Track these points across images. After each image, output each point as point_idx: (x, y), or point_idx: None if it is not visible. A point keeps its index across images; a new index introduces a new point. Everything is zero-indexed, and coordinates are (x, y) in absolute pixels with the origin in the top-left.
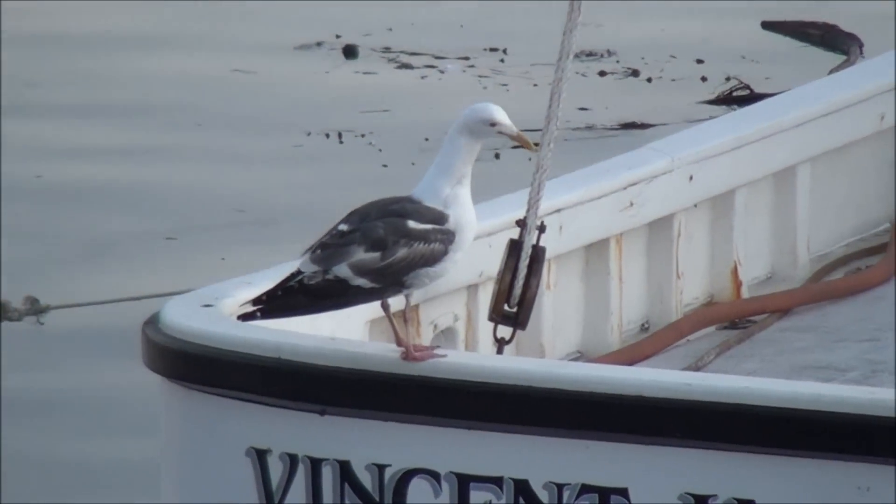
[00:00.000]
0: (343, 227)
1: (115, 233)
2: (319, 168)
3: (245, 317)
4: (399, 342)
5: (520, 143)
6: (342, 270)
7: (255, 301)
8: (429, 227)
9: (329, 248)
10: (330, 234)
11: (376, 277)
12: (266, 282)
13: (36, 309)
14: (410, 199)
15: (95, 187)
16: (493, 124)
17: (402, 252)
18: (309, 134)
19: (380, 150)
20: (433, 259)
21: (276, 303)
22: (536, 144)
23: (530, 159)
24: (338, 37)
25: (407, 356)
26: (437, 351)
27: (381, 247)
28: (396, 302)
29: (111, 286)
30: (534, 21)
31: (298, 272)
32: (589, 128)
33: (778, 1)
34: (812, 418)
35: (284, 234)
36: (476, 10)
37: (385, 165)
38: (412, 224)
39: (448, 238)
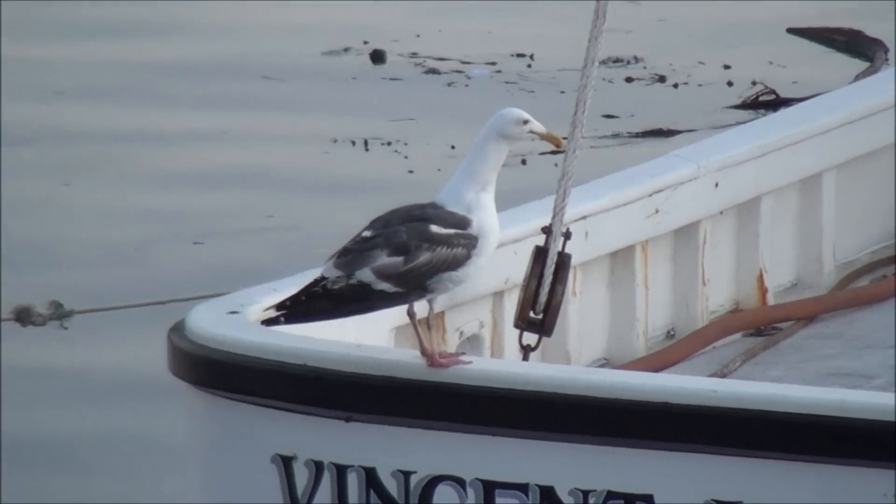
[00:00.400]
0: (366, 233)
1: (142, 237)
2: (345, 175)
3: (269, 322)
4: (423, 350)
5: (549, 142)
6: (365, 275)
7: (279, 306)
8: (451, 231)
9: (352, 252)
10: (353, 240)
11: (399, 282)
12: (292, 288)
13: (60, 314)
14: (433, 205)
15: (123, 193)
16: (524, 122)
17: (424, 256)
18: (335, 141)
19: (406, 157)
20: (456, 263)
21: (299, 308)
22: (565, 138)
23: (556, 165)
24: (365, 43)
25: (432, 363)
26: (462, 357)
27: (403, 251)
28: (422, 309)
29: (137, 291)
30: (561, 27)
31: (322, 277)
32: (615, 135)
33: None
34: (837, 425)
35: (310, 241)
36: (504, 16)
37: (411, 172)
38: (435, 228)
39: (471, 242)
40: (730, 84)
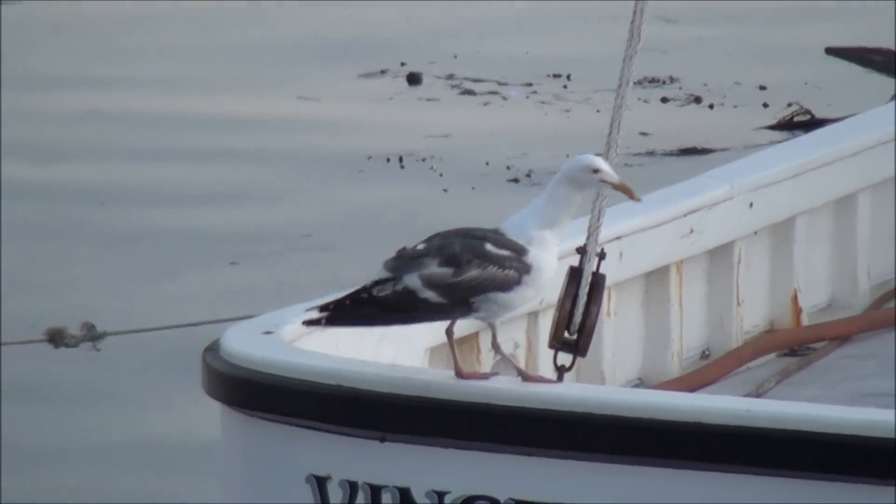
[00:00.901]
0: (421, 245)
1: (177, 258)
2: (380, 192)
3: (309, 322)
4: (458, 371)
5: (622, 192)
6: (412, 281)
7: (322, 307)
8: (506, 253)
9: (403, 258)
10: (408, 248)
11: (445, 292)
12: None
13: (93, 335)
14: (496, 231)
15: (158, 214)
16: (595, 171)
17: (474, 271)
18: (370, 158)
19: (440, 175)
20: (505, 285)
21: (342, 311)
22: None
23: None
24: (402, 64)
25: (461, 376)
26: (487, 373)
27: (454, 263)
28: (462, 329)
29: (172, 311)
30: (598, 47)
31: (369, 285)
32: (649, 153)
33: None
34: (872, 445)
35: (346, 260)
36: (541, 37)
37: (445, 190)
38: (489, 247)
39: (523, 268)
40: (765, 105)
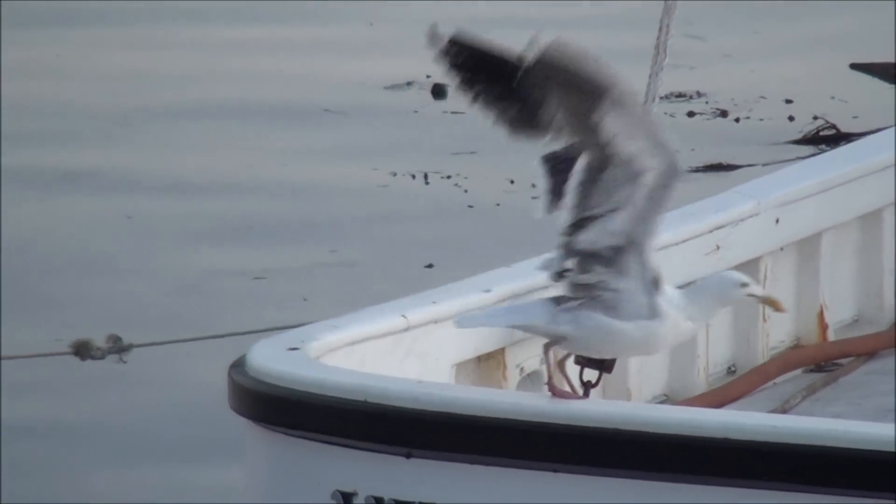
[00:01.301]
0: None
1: (203, 271)
2: (405, 208)
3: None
4: (551, 388)
5: (770, 306)
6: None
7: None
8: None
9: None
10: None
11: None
12: (354, 325)
13: (119, 347)
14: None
15: (182, 224)
16: (743, 285)
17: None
18: (395, 174)
19: (465, 192)
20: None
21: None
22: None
23: None
24: (428, 77)
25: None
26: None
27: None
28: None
29: (198, 324)
30: (625, 61)
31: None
32: None
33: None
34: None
35: (371, 276)
36: None
37: (470, 206)
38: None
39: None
40: (791, 119)
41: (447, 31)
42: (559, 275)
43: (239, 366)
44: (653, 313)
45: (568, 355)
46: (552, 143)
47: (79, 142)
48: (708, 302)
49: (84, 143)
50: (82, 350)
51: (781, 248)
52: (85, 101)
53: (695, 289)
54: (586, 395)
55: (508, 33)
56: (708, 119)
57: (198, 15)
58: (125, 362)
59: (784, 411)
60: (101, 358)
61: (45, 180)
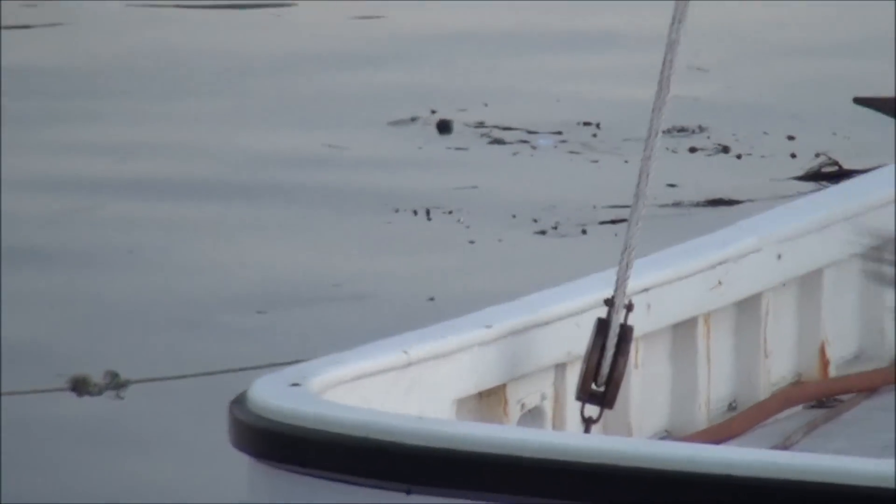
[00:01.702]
0: None
1: (203, 306)
2: (407, 245)
3: None
4: None
5: None
6: None
7: None
8: None
9: None
10: None
11: None
12: (355, 360)
13: (116, 383)
14: None
15: (183, 258)
16: None
17: None
18: (397, 210)
19: (467, 227)
20: None
21: None
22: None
23: (617, 235)
24: (433, 112)
25: None
26: None
27: None
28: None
29: (197, 361)
30: (630, 93)
31: None
32: (676, 204)
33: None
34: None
35: (375, 311)
36: (573, 83)
37: (472, 242)
38: None
39: None
40: (793, 155)
41: None
42: None
43: (240, 402)
44: None
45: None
46: None
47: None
48: None
49: None
50: (80, 386)
51: (783, 284)
52: None
53: None
54: (587, 430)
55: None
56: (710, 155)
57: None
58: (122, 398)
59: (785, 447)
60: (99, 394)
61: None
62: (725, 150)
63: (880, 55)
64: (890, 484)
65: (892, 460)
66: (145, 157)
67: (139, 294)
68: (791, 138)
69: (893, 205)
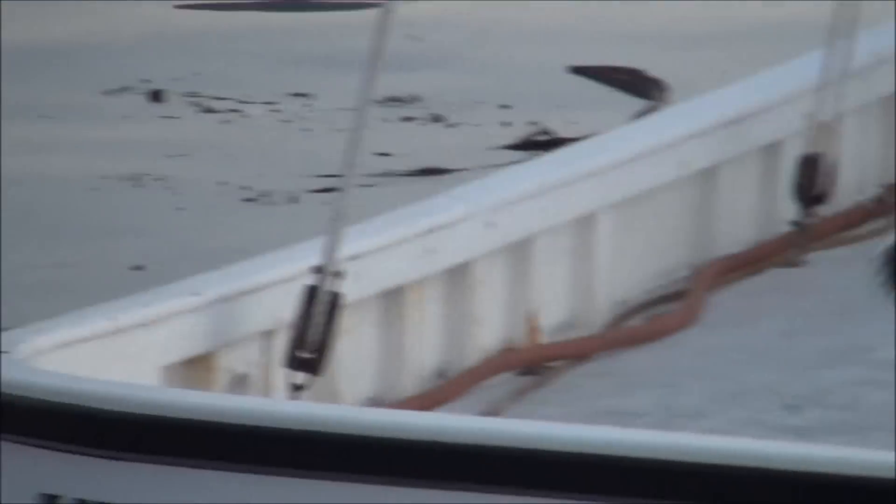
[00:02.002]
0: None
1: None
2: (116, 212)
3: None
4: None
5: None
6: None
7: None
8: None
9: None
10: None
11: None
12: (66, 327)
13: None
14: None
15: None
16: None
17: None
18: (105, 177)
19: (177, 195)
20: None
21: None
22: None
23: (327, 204)
24: (144, 81)
25: None
26: None
27: None
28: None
29: None
30: (342, 67)
31: None
32: (388, 174)
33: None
34: (605, 464)
35: (81, 280)
36: (283, 57)
37: (181, 209)
38: None
39: None
40: (506, 124)
41: None
42: None
43: None
44: None
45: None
46: None
47: None
48: None
49: None
50: None
51: (494, 252)
52: None
53: None
54: (295, 397)
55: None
56: (423, 124)
57: None
58: None
59: (494, 414)
60: None
61: None
62: (438, 119)
63: (597, 22)
64: (594, 450)
65: (598, 426)
66: None
67: None
68: (505, 107)
69: (599, 176)
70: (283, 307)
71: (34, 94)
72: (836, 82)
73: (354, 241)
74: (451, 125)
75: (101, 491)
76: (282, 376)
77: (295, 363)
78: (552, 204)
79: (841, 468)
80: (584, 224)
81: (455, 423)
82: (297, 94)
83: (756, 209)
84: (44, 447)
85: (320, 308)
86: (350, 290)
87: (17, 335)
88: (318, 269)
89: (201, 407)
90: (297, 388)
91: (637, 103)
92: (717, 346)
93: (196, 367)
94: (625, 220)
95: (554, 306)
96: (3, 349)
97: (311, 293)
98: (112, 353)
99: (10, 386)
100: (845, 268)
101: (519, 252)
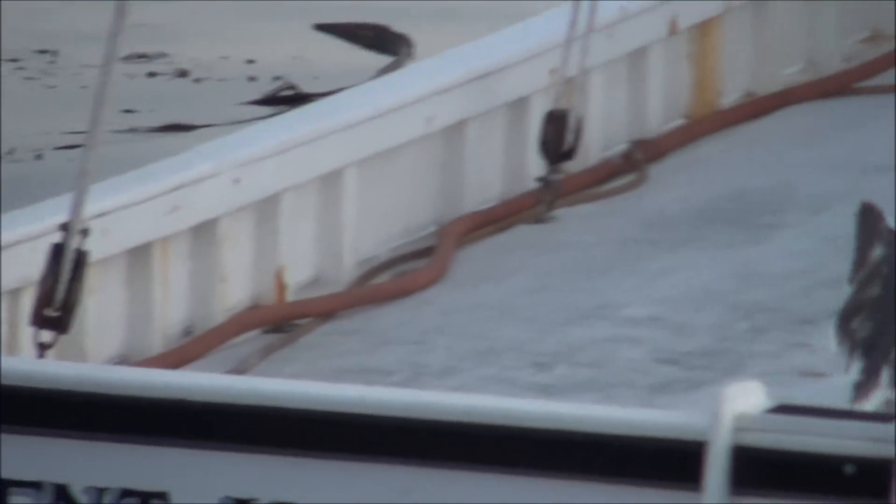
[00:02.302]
0: None
1: None
2: None
3: None
4: None
5: None
6: None
7: None
8: None
9: None
10: None
11: None
12: None
13: None
14: None
15: None
16: None
17: None
18: None
19: None
20: None
21: None
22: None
23: (72, 161)
24: None
25: None
26: None
27: None
28: None
29: None
30: (87, 24)
31: None
32: (133, 130)
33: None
34: (352, 422)
35: None
36: (28, 11)
37: None
38: None
39: None
40: (252, 79)
41: None
42: None
43: None
44: None
45: None
46: None
47: None
48: None
49: None
50: None
51: (241, 209)
52: None
53: None
54: (41, 355)
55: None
56: (169, 79)
57: None
58: None
59: (241, 372)
60: None
61: None
62: (183, 74)
63: None
64: (340, 408)
65: (344, 385)
66: None
67: None
68: (251, 62)
69: (345, 133)
70: (29, 265)
71: None
72: (582, 38)
73: (100, 199)
74: (197, 80)
75: None
76: (29, 334)
77: (41, 321)
78: (298, 160)
79: (589, 426)
80: (331, 181)
81: (200, 381)
82: (41, 51)
83: (503, 165)
84: None
85: (66, 265)
86: (96, 247)
87: None
88: (64, 227)
89: None
90: (44, 347)
91: (383, 60)
92: (464, 304)
93: None
94: (371, 176)
95: (301, 264)
96: None
97: (57, 251)
98: None
99: None
100: (593, 224)
101: (265, 209)
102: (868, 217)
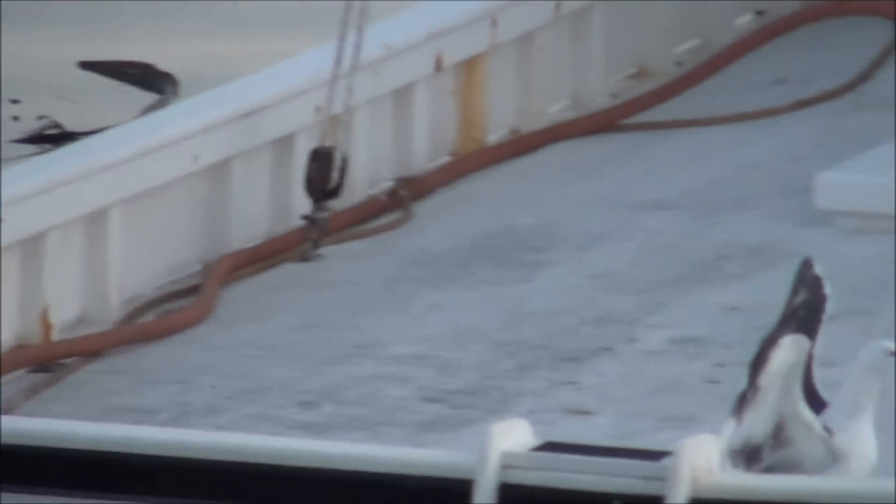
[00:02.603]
0: None
1: None
2: None
3: None
4: None
5: None
6: None
7: None
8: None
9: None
10: None
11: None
12: None
13: None
14: None
15: None
16: (892, 353)
17: None
18: None
19: None
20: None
21: None
22: None
23: None
24: None
25: None
26: None
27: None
28: None
29: None
30: None
31: None
32: None
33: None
34: (118, 462)
35: None
36: None
37: None
38: None
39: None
40: (16, 118)
41: None
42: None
43: None
44: (834, 458)
45: None
46: None
47: None
48: (860, 380)
49: None
50: None
51: (5, 248)
52: None
53: (847, 380)
54: None
55: None
56: None
57: None
58: None
59: (7, 412)
60: None
61: None
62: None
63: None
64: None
65: (109, 424)
66: None
67: None
68: (15, 101)
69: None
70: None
71: None
72: (347, 75)
73: None
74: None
75: None
76: None
77: None
78: (63, 199)
79: (356, 464)
80: (96, 219)
81: None
82: None
83: (269, 204)
84: None
85: None
86: None
87: None
88: None
89: None
90: None
91: (148, 97)
92: (230, 342)
93: None
94: (136, 215)
95: (67, 303)
96: None
97: None
98: None
99: None
100: (359, 262)
101: (30, 248)
102: (805, 273)
